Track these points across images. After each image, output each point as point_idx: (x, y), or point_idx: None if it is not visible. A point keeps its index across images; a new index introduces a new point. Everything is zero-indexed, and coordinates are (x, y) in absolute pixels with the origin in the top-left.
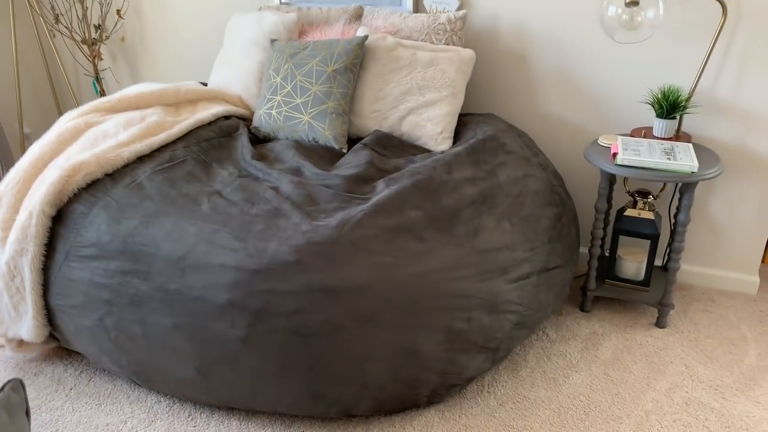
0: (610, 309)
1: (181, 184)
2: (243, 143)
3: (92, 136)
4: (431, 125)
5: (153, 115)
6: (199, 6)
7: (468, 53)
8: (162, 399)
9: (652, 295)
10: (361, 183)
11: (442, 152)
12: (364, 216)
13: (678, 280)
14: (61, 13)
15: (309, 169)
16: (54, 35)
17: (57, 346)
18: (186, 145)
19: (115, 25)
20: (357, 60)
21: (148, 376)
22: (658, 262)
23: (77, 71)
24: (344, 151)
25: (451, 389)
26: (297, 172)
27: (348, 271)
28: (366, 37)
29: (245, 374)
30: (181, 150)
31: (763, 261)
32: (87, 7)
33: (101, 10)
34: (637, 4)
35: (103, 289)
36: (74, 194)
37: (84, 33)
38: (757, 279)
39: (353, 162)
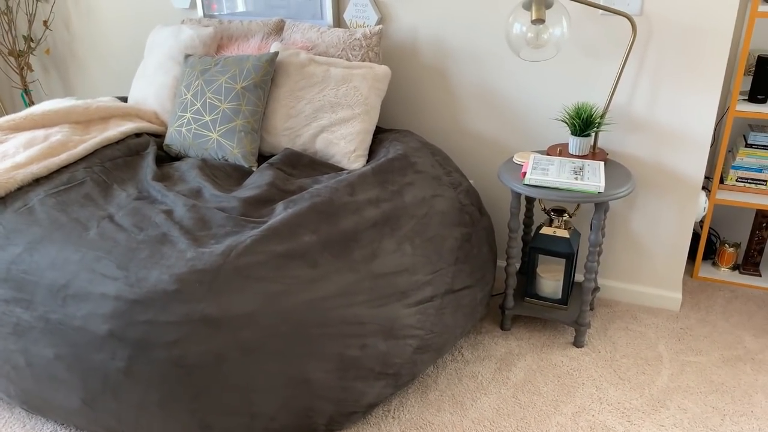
0: (530, 327)
1: (74, 208)
2: (147, 163)
3: None
4: (344, 143)
5: (58, 134)
6: (127, 17)
7: (382, 70)
8: (58, 428)
9: (570, 314)
10: (260, 205)
11: (352, 171)
12: (254, 242)
13: (603, 297)
14: None
15: (209, 190)
16: None
17: None
18: (88, 166)
19: (42, 36)
20: (267, 77)
21: (37, 406)
22: (581, 278)
23: (7, 82)
24: (254, 169)
25: (351, 416)
26: (197, 193)
27: (231, 299)
28: (276, 53)
29: (130, 405)
30: (81, 171)
31: (692, 275)
32: (12, 18)
33: (28, 21)
34: (542, 21)
35: None
36: None
37: (10, 44)
38: (679, 295)
39: (256, 183)
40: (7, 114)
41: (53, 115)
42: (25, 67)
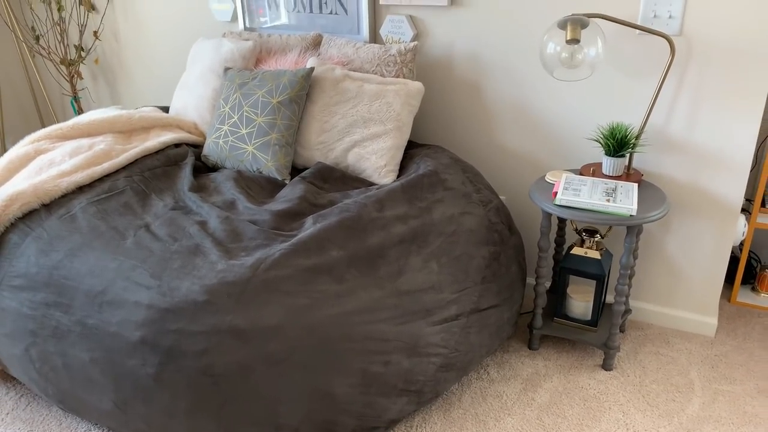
0: (558, 348)
1: (113, 216)
2: (185, 173)
3: (38, 164)
4: (375, 158)
5: (102, 143)
6: (172, 29)
7: (415, 86)
8: (92, 428)
9: (600, 336)
10: (290, 219)
11: (382, 186)
12: (282, 255)
13: (635, 319)
14: (41, 34)
15: (243, 202)
16: (34, 56)
17: (1, 369)
18: (128, 175)
19: (92, 46)
20: (302, 92)
21: (73, 406)
22: (612, 299)
23: (59, 90)
24: (286, 182)
25: (373, 431)
26: (231, 205)
27: (259, 312)
28: (312, 69)
29: (159, 411)
30: (122, 180)
31: (730, 300)
32: (65, 29)
33: (79, 32)
34: (577, 41)
35: (28, 320)
36: (11, 224)
37: (62, 54)
38: (714, 321)
39: (288, 196)
40: (57, 119)
41: (98, 125)
42: (76, 76)
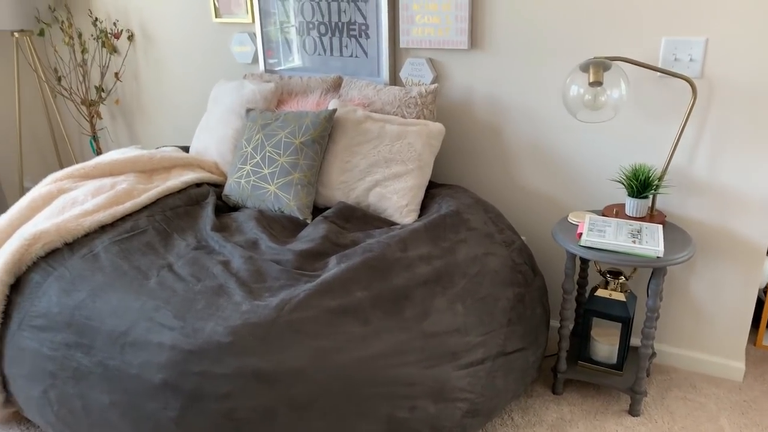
0: (583, 392)
1: (136, 256)
2: (207, 213)
3: (61, 203)
4: (397, 197)
5: (124, 183)
6: (192, 71)
7: (437, 127)
8: None
9: (626, 380)
10: (313, 258)
11: (404, 226)
12: (306, 296)
13: (660, 363)
14: (63, 75)
15: (265, 242)
16: (56, 96)
17: (15, 411)
18: (150, 214)
19: (113, 87)
20: (325, 133)
21: None
22: (638, 342)
23: (78, 129)
24: (308, 221)
25: None
26: (253, 245)
27: (283, 354)
28: (334, 110)
29: None
30: (144, 219)
31: (755, 344)
32: (88, 70)
33: (101, 73)
34: (600, 84)
35: (48, 360)
36: (33, 263)
37: (83, 94)
38: (742, 365)
39: (310, 236)
40: (76, 158)
41: (120, 164)
42: (95, 116)
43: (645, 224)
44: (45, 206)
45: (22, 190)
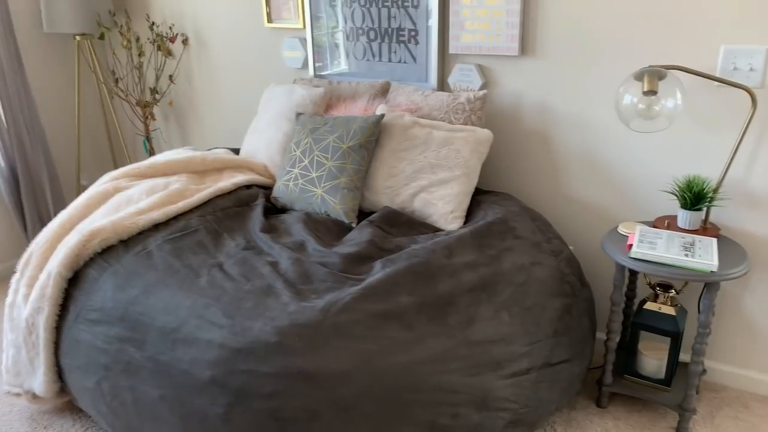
0: (628, 407)
1: (187, 254)
2: (256, 214)
3: (117, 201)
4: (442, 204)
5: (176, 183)
6: (243, 75)
7: (485, 134)
8: None
9: (674, 397)
10: (359, 262)
11: (449, 232)
12: (352, 299)
13: (710, 380)
14: (120, 77)
15: (312, 244)
16: (113, 97)
17: (68, 400)
18: (201, 215)
19: (167, 89)
20: (372, 138)
21: None
22: (686, 358)
23: (132, 130)
24: (353, 225)
25: None
26: (300, 247)
27: (328, 356)
28: (382, 116)
29: None
30: (195, 219)
31: None
32: (143, 73)
33: (156, 76)
34: (654, 93)
35: (102, 353)
36: (90, 259)
37: (138, 96)
38: None
39: (356, 239)
40: (129, 157)
41: (173, 165)
42: (149, 117)
43: (698, 237)
44: (101, 204)
45: (79, 188)
